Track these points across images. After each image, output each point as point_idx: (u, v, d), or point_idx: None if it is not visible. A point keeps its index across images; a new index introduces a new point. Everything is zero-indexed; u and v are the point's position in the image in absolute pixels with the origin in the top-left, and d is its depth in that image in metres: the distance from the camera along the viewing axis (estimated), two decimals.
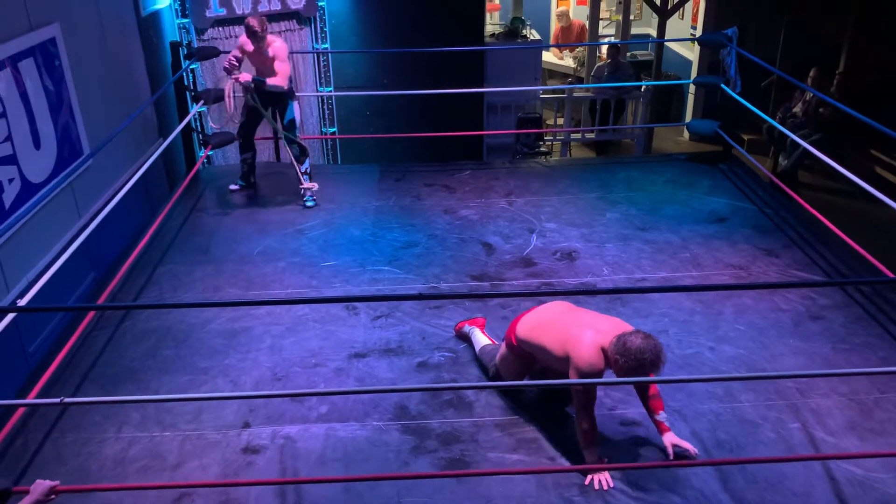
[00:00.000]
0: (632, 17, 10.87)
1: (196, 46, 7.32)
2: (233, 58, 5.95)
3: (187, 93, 6.77)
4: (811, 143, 6.19)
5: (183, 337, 4.52)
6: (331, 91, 8.14)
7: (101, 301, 4.75)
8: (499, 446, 3.65)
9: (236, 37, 7.08)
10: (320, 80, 8.14)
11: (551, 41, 11.55)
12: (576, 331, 3.39)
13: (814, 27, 9.16)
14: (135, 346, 4.47)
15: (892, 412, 3.81)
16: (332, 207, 6.17)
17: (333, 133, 8.37)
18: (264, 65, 5.89)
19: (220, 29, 7.49)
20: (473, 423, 3.79)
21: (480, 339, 4.25)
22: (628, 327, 3.37)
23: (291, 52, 7.70)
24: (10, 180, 4.55)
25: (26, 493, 2.90)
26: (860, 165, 7.95)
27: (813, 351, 4.30)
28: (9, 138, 4.54)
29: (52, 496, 2.91)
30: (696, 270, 5.16)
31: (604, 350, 3.29)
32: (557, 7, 11.57)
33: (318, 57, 8.05)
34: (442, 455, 3.60)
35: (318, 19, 7.92)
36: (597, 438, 3.43)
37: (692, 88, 10.16)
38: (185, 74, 6.59)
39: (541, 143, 9.06)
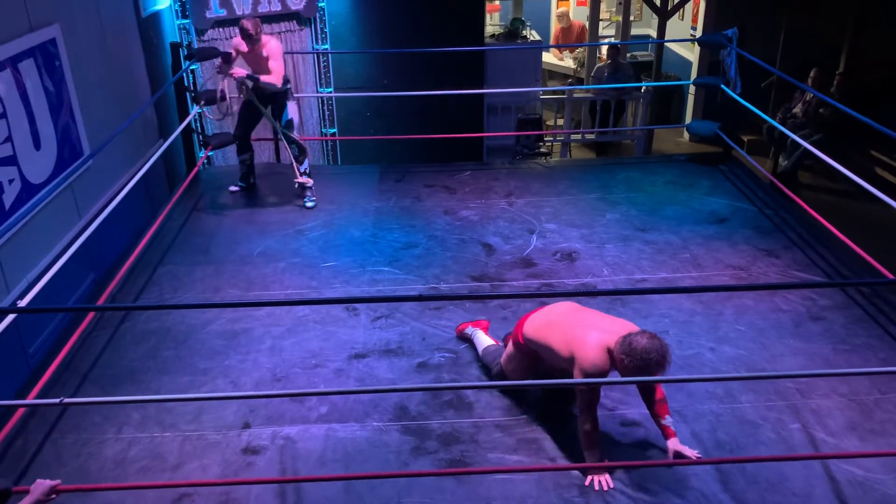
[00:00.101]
0: (632, 18, 10.87)
1: (196, 47, 7.33)
2: (223, 61, 5.96)
3: (187, 94, 6.77)
4: (811, 144, 6.19)
5: (183, 338, 4.52)
6: (331, 92, 8.14)
7: (101, 302, 4.75)
8: (499, 447, 3.64)
9: None
10: (320, 80, 8.14)
11: (551, 42, 11.56)
12: (582, 331, 3.39)
13: (814, 28, 9.16)
14: (135, 347, 4.47)
15: (893, 413, 3.81)
16: (332, 208, 6.17)
17: (333, 134, 8.37)
18: (259, 65, 5.89)
19: (221, 30, 7.49)
20: (473, 424, 3.79)
21: (484, 340, 4.24)
22: (634, 328, 3.36)
23: (291, 53, 7.74)
24: (11, 181, 4.55)
25: (26, 493, 2.90)
26: (860, 166, 7.94)
27: (813, 352, 4.30)
28: (9, 139, 4.54)
29: (53, 496, 2.91)
30: (696, 271, 5.16)
31: (609, 350, 3.28)
32: (557, 8, 11.57)
33: (318, 58, 8.05)
34: (442, 456, 3.60)
35: (318, 20, 7.93)
36: (599, 439, 3.43)
37: (692, 89, 10.16)
38: (185, 75, 6.59)
39: (541, 143, 9.06)
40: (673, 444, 3.43)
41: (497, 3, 11.20)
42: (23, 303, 3.77)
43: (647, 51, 11.65)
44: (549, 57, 11.66)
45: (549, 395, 3.94)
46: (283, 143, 6.39)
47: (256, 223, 5.97)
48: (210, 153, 7.41)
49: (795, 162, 8.31)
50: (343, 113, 8.47)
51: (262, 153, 7.89)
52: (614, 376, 3.35)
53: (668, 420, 3.44)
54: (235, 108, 6.20)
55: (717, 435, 3.68)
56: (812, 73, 8.33)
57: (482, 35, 9.02)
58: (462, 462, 3.56)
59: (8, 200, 4.51)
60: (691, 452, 3.46)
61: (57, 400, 3.09)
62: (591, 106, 9.95)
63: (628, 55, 11.04)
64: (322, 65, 8.10)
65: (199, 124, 7.31)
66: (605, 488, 3.37)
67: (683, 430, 3.67)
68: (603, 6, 11.34)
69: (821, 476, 3.42)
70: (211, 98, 6.24)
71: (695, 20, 10.46)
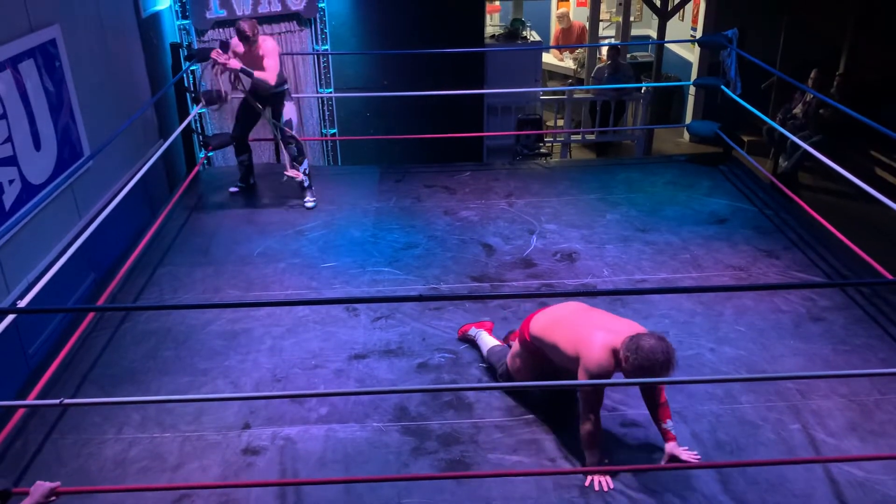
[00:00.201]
0: (632, 19, 10.87)
1: (196, 48, 7.32)
2: (220, 50, 5.95)
3: (187, 94, 6.77)
4: (811, 145, 6.19)
5: (183, 338, 4.52)
6: (331, 92, 8.14)
7: (100, 302, 4.75)
8: (499, 448, 3.64)
9: None
10: (320, 81, 8.14)
11: (551, 43, 11.56)
12: (587, 331, 3.38)
13: (814, 28, 9.16)
14: (135, 348, 4.46)
15: (893, 414, 3.81)
16: (332, 209, 6.17)
17: (333, 134, 8.37)
18: (255, 65, 5.88)
19: (221, 30, 7.49)
20: (473, 425, 3.78)
21: (488, 341, 4.22)
22: (641, 329, 3.34)
23: (291, 54, 7.74)
24: (11, 181, 4.55)
25: (26, 494, 2.89)
26: (860, 167, 7.94)
27: (813, 352, 4.30)
28: (9, 139, 4.54)
29: (53, 497, 2.91)
30: (696, 272, 5.16)
31: (614, 351, 3.27)
32: (557, 8, 11.57)
33: (319, 58, 8.05)
34: (442, 456, 3.60)
35: (318, 21, 7.92)
36: (600, 439, 3.43)
37: (692, 90, 10.16)
38: (185, 76, 6.59)
39: (541, 144, 9.06)
40: (671, 447, 3.43)
41: (497, 3, 11.20)
42: (23, 303, 3.77)
43: (648, 51, 11.65)
44: (549, 57, 11.66)
45: (551, 394, 3.94)
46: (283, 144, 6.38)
47: (256, 224, 5.97)
48: (210, 154, 7.41)
49: (795, 163, 8.31)
50: (343, 113, 8.47)
51: (262, 154, 7.89)
52: (618, 377, 3.35)
53: (668, 424, 3.44)
54: (227, 89, 6.11)
55: (717, 436, 3.68)
56: (812, 74, 8.33)
57: (482, 36, 9.02)
58: (462, 462, 3.56)
59: (8, 201, 4.51)
60: (689, 455, 3.45)
61: (57, 400, 3.10)
62: (591, 106, 9.94)
63: (628, 56, 11.04)
64: (322, 65, 8.10)
65: (199, 125, 7.31)
66: (605, 489, 3.37)
67: (684, 430, 3.67)
68: (603, 7, 11.34)
69: (821, 477, 3.42)
70: (213, 93, 6.13)
71: (695, 21, 10.47)
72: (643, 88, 9.54)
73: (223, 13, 7.44)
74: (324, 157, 8.53)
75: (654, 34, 10.31)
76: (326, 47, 8.02)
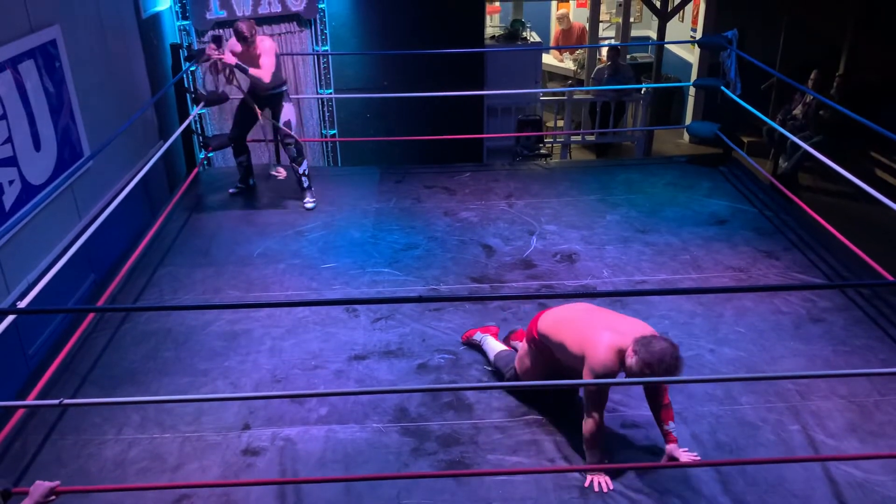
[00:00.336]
0: (632, 20, 10.88)
1: (196, 48, 7.32)
2: (214, 45, 5.95)
3: (187, 95, 6.77)
4: (811, 146, 6.18)
5: (183, 339, 4.52)
6: (331, 93, 8.14)
7: (101, 303, 4.75)
8: (498, 448, 3.64)
9: None
10: (320, 82, 8.14)
11: (551, 43, 11.56)
12: (594, 330, 3.38)
13: (814, 29, 9.16)
14: (135, 348, 4.46)
15: (893, 414, 3.81)
16: (332, 209, 6.17)
17: (333, 135, 8.37)
18: (253, 64, 5.88)
19: (221, 31, 7.49)
20: (473, 426, 3.78)
21: (495, 345, 4.20)
22: (650, 330, 3.34)
23: (291, 55, 7.74)
24: (11, 182, 4.55)
25: (26, 494, 2.89)
26: (860, 168, 7.94)
27: (813, 353, 4.30)
28: (9, 140, 4.54)
29: (52, 497, 2.91)
30: (696, 273, 5.16)
31: (620, 352, 3.26)
32: (557, 10, 11.58)
33: (319, 59, 8.05)
34: (442, 457, 3.60)
35: (318, 21, 7.92)
36: (602, 440, 3.43)
37: (692, 91, 10.16)
38: (185, 76, 6.59)
39: (541, 145, 9.06)
40: (671, 449, 3.43)
41: (497, 4, 11.21)
42: (23, 304, 3.77)
43: (647, 52, 11.65)
44: (549, 58, 11.66)
45: (552, 395, 3.93)
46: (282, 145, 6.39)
47: (256, 224, 5.97)
48: (210, 154, 7.42)
49: (795, 163, 8.31)
50: (343, 114, 8.47)
51: (262, 155, 7.89)
52: (622, 377, 3.35)
53: (670, 426, 3.43)
54: (222, 86, 6.09)
55: (716, 436, 3.68)
56: (812, 75, 8.33)
57: (482, 37, 9.02)
58: (462, 463, 3.56)
59: (8, 201, 4.51)
60: (689, 457, 3.45)
61: (57, 401, 3.09)
62: (591, 107, 9.95)
63: (628, 57, 11.04)
64: (322, 66, 8.10)
65: (199, 125, 7.32)
66: (605, 489, 3.37)
67: (683, 431, 3.67)
68: (603, 8, 11.34)
69: (821, 478, 3.42)
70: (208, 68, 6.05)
71: (695, 22, 10.47)
72: (643, 89, 9.55)
73: (223, 14, 7.45)
74: (324, 158, 8.53)
75: (653, 35, 10.32)
76: (326, 48, 8.02)
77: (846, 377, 4.02)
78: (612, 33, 11.98)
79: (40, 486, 2.88)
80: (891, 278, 4.52)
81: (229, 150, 6.86)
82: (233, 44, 5.90)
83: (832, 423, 3.75)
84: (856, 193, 5.41)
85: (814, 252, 5.38)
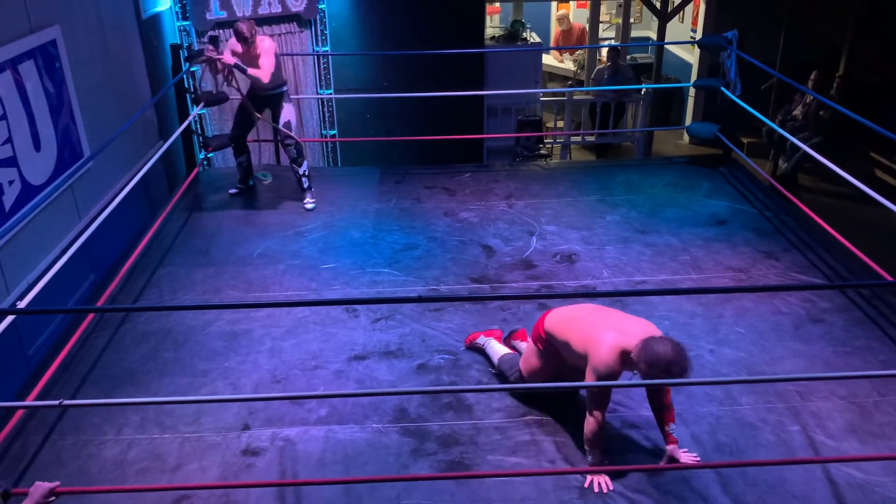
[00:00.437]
0: (632, 21, 10.88)
1: (196, 49, 7.32)
2: (211, 46, 5.95)
3: (187, 95, 6.77)
4: (811, 147, 6.18)
5: (183, 339, 4.52)
6: (331, 93, 8.14)
7: (100, 303, 4.75)
8: (498, 449, 3.64)
9: None
10: (320, 82, 8.14)
11: (551, 44, 11.57)
12: (599, 330, 3.36)
13: (814, 30, 9.16)
14: (134, 349, 4.46)
15: (892, 415, 3.81)
16: (332, 210, 6.17)
17: (333, 135, 8.37)
18: (253, 65, 5.88)
19: (221, 31, 7.49)
20: (473, 426, 3.78)
21: (498, 349, 4.18)
22: (657, 331, 3.33)
23: (291, 55, 7.73)
24: (11, 182, 4.55)
25: (26, 494, 2.89)
26: (860, 168, 7.94)
27: (813, 354, 4.30)
28: (9, 140, 4.54)
29: (52, 498, 2.91)
30: (696, 273, 5.16)
31: (625, 353, 3.25)
32: (557, 10, 11.59)
33: (319, 59, 8.05)
34: (441, 458, 3.60)
35: (318, 22, 7.93)
36: (603, 440, 3.42)
37: (692, 91, 10.17)
38: (185, 77, 6.59)
39: (541, 145, 9.07)
40: (671, 450, 3.43)
41: (497, 5, 11.21)
42: (22, 304, 3.77)
43: (647, 53, 11.65)
44: (549, 59, 11.67)
45: (553, 395, 3.92)
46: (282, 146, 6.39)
47: (256, 225, 5.97)
48: (210, 155, 7.42)
49: (795, 164, 8.32)
50: (343, 114, 8.47)
51: (262, 155, 7.89)
52: (626, 377, 3.35)
53: (671, 427, 3.43)
54: (221, 86, 6.10)
55: (716, 437, 3.68)
56: (812, 76, 8.34)
57: (482, 37, 9.02)
58: (461, 464, 3.56)
59: (8, 202, 4.51)
60: (689, 458, 3.45)
61: (56, 401, 3.10)
62: (591, 108, 9.95)
63: (628, 57, 11.04)
64: (322, 66, 8.10)
65: (198, 126, 7.32)
66: (605, 490, 3.37)
67: (683, 432, 3.67)
68: (603, 8, 11.35)
69: (820, 479, 3.42)
70: (205, 60, 6.03)
71: (695, 22, 10.47)
72: (643, 90, 9.55)
73: (223, 14, 7.45)
74: (324, 159, 8.53)
75: (653, 36, 10.32)
76: (326, 48, 8.02)
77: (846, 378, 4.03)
78: (612, 34, 11.98)
79: (40, 487, 2.88)
80: (890, 279, 4.52)
81: (229, 151, 6.87)
82: (233, 44, 5.90)
83: (832, 424, 3.75)
84: (855, 194, 5.40)
85: (813, 253, 5.38)
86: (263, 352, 4.41)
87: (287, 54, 7.64)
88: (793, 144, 7.04)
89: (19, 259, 4.60)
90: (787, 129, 7.82)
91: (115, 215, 4.75)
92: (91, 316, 4.60)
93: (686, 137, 10.20)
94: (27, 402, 3.79)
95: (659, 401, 3.43)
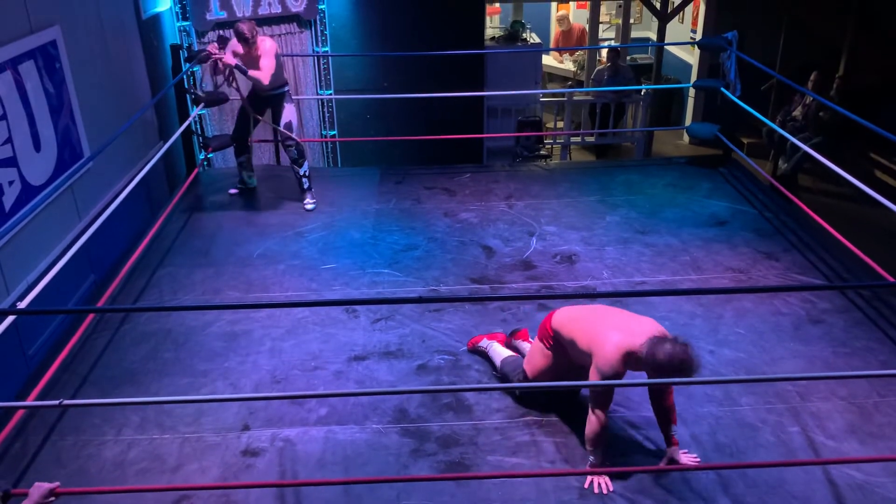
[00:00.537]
0: (632, 21, 10.88)
1: (196, 49, 7.32)
2: (214, 46, 5.95)
3: (187, 96, 6.78)
4: (811, 147, 6.18)
5: (183, 340, 4.52)
6: (331, 94, 8.14)
7: (100, 303, 4.75)
8: (498, 450, 3.64)
9: None
10: (320, 83, 8.14)
11: (551, 45, 11.57)
12: (604, 329, 3.36)
13: (813, 31, 9.16)
14: (134, 349, 4.46)
15: (892, 416, 3.81)
16: (332, 210, 6.17)
17: (333, 136, 8.38)
18: (254, 66, 5.88)
19: (221, 32, 7.49)
20: (473, 427, 3.78)
21: (501, 351, 4.16)
22: (664, 332, 3.32)
23: (291, 56, 7.73)
24: (11, 182, 4.55)
25: (25, 495, 2.89)
26: (860, 169, 7.94)
27: (813, 354, 4.30)
28: (9, 140, 4.54)
29: (52, 498, 2.91)
30: (695, 274, 5.16)
31: (630, 353, 3.24)
32: (557, 11, 11.59)
33: (319, 60, 8.05)
34: (441, 458, 3.60)
35: (318, 22, 7.93)
36: (605, 440, 3.42)
37: (692, 92, 10.17)
38: (185, 77, 6.60)
39: (541, 146, 9.07)
40: (672, 451, 3.43)
41: (497, 5, 11.21)
42: (22, 304, 3.77)
43: (647, 53, 11.65)
44: (549, 60, 11.67)
45: (553, 396, 3.92)
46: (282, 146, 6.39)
47: (256, 225, 5.97)
48: (210, 155, 7.42)
49: (795, 165, 8.32)
50: (343, 115, 8.47)
51: (263, 155, 7.90)
52: (630, 377, 3.35)
53: (672, 428, 3.43)
54: (222, 86, 6.10)
55: (716, 438, 3.68)
56: (813, 77, 8.34)
57: (482, 38, 9.03)
58: (461, 464, 3.56)
59: (8, 202, 4.51)
60: (689, 459, 3.45)
61: (56, 402, 3.09)
62: (590, 108, 9.96)
63: (628, 58, 11.04)
64: (322, 67, 8.10)
65: (199, 126, 7.32)
66: (605, 491, 3.37)
67: (683, 432, 3.67)
68: (603, 9, 11.35)
69: (820, 479, 3.42)
70: (204, 58, 6.03)
71: (695, 23, 10.48)
72: (643, 90, 9.55)
73: (223, 15, 7.45)
74: (324, 159, 8.53)
75: (653, 36, 10.32)
76: (326, 49, 8.03)
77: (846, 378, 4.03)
78: (611, 34, 11.98)
79: (40, 488, 2.88)
80: (891, 279, 4.52)
81: (229, 151, 6.88)
82: (234, 44, 5.90)
83: (832, 425, 3.75)
84: (855, 195, 5.41)
85: (813, 253, 5.38)
86: (263, 352, 4.41)
87: (287, 55, 7.64)
88: (793, 145, 7.04)
89: (19, 259, 4.60)
90: (787, 129, 7.82)
91: (116, 216, 4.75)
92: (91, 316, 4.60)
93: (686, 138, 10.21)
94: (27, 403, 3.79)
95: (662, 402, 3.42)
